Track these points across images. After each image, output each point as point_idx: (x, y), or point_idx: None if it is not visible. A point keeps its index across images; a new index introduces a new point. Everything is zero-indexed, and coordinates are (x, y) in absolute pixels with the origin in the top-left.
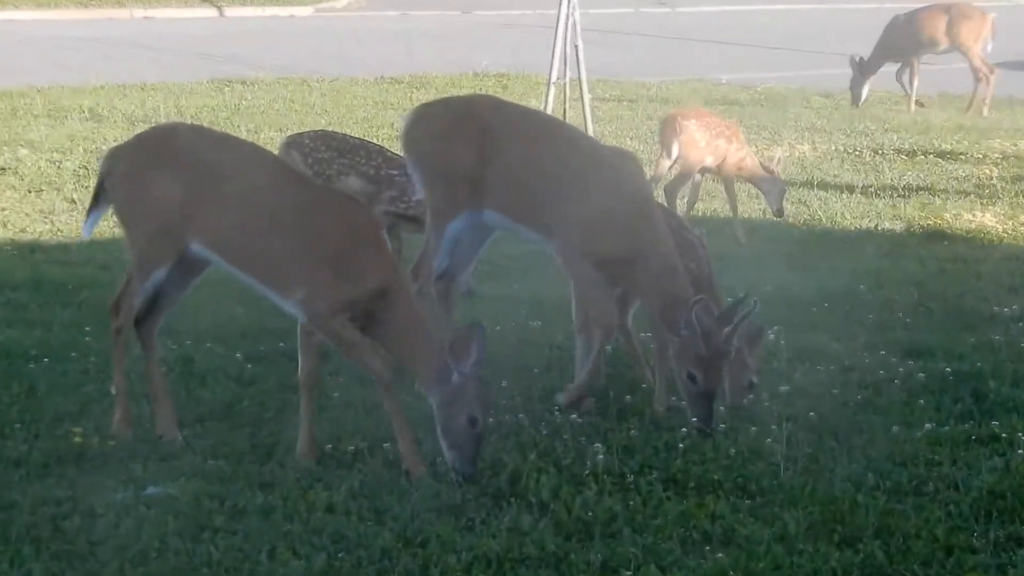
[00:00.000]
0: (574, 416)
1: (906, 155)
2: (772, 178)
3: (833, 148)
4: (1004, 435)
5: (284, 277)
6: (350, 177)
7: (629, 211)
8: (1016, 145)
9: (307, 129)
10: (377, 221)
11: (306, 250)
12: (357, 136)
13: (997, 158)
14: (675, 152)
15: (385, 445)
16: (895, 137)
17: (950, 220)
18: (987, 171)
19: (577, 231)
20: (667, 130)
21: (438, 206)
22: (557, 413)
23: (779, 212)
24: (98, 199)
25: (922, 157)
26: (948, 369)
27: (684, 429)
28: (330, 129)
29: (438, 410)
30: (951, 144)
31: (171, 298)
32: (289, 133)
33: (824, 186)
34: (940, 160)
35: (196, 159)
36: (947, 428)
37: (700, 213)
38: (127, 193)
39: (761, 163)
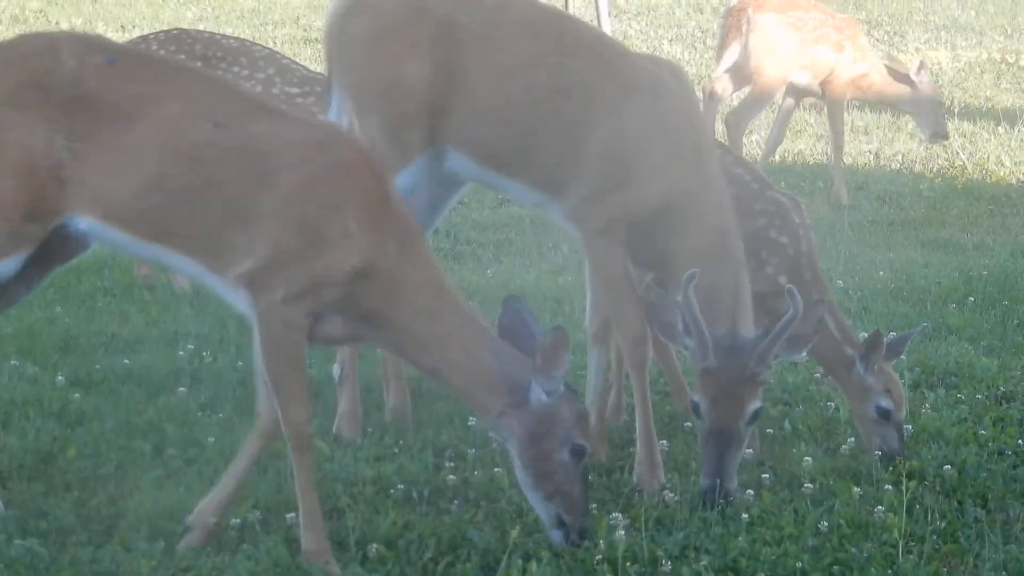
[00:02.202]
0: None
1: None
2: (917, 91)
3: (985, 56)
4: None
5: (227, 251)
6: None
7: (672, 151)
8: None
9: (158, 29)
10: (380, 163)
11: (263, 211)
12: (235, 36)
13: None
14: (732, 60)
15: (288, 515)
16: None
17: None
18: None
19: (597, 181)
20: (730, 28)
21: (375, 147)
22: None
23: (935, 137)
24: None
25: None
26: None
27: (750, 491)
28: (191, 28)
29: (520, 448)
30: None
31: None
32: (134, 33)
33: (969, 114)
34: None
35: (86, 92)
36: None
37: (781, 158)
38: None
39: (892, 70)
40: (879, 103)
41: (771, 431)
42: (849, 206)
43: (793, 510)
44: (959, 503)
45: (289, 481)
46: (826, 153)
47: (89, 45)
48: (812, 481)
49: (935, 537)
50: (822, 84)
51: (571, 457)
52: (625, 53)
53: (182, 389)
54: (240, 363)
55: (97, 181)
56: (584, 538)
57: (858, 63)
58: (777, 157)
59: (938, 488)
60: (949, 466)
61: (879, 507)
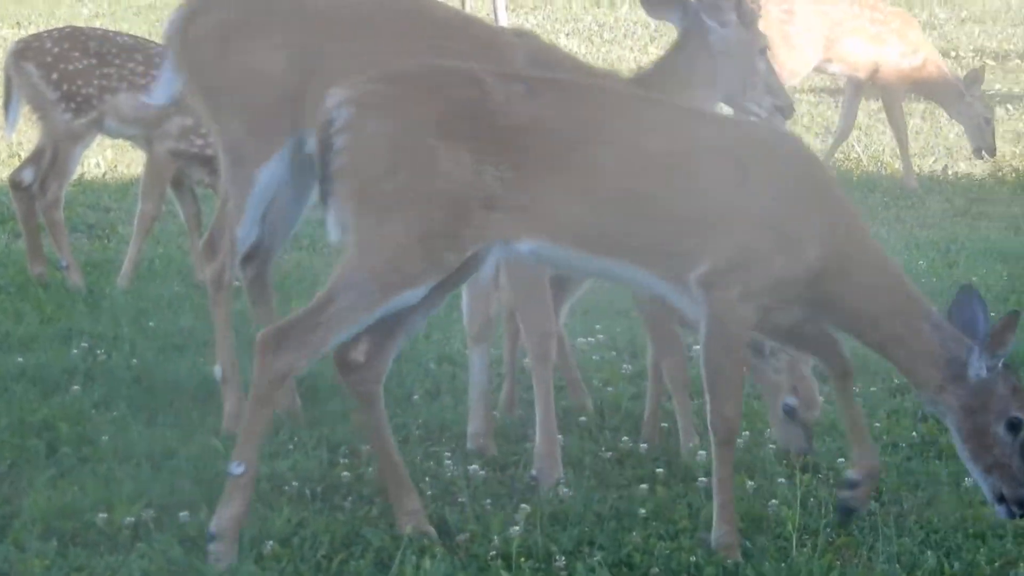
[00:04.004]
0: (474, 467)
1: None
2: (964, 99)
3: None
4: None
5: (682, 257)
6: (120, 95)
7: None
8: None
9: (53, 26)
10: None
11: (726, 213)
12: (130, 33)
13: None
14: None
15: (182, 514)
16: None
17: None
18: None
19: None
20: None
21: (238, 144)
22: (447, 462)
23: (981, 152)
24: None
25: None
26: None
27: (645, 485)
28: (87, 25)
29: (958, 422)
30: None
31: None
32: (29, 30)
33: (864, 107)
34: None
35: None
36: None
37: None
38: None
39: (943, 72)
40: (928, 98)
41: (666, 425)
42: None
43: (687, 504)
44: None
45: (182, 480)
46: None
47: (505, 75)
48: (706, 475)
49: (829, 530)
50: (875, 75)
51: (1008, 431)
52: (500, 31)
53: (76, 387)
54: (135, 361)
55: (544, 206)
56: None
57: (908, 56)
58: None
59: (832, 481)
60: (843, 459)
61: (773, 500)
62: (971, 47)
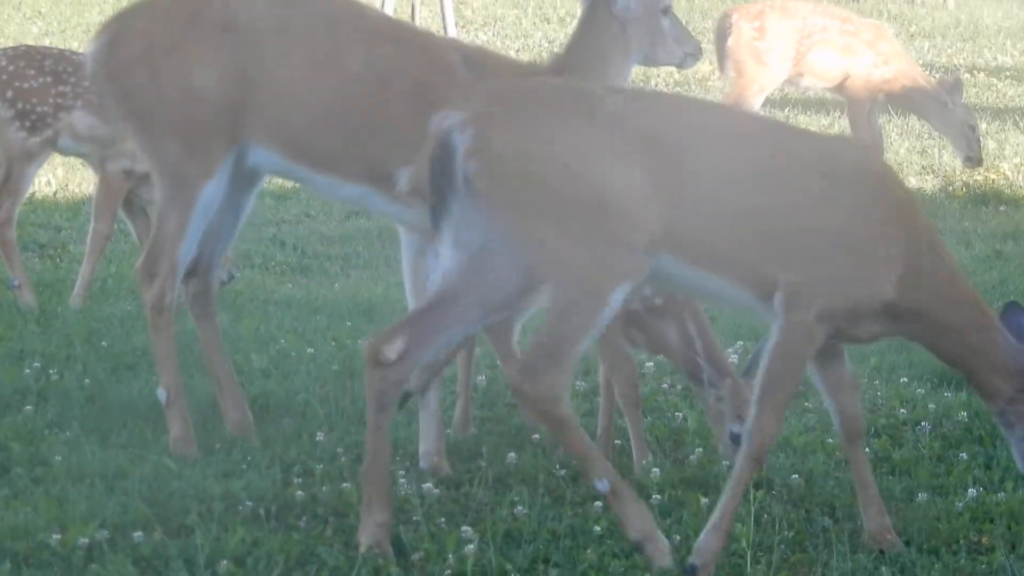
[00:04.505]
0: (427, 485)
1: None
2: (947, 107)
3: None
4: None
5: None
6: (75, 112)
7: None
8: None
9: (3, 44)
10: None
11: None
12: (83, 52)
13: None
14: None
15: (136, 534)
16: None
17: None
18: None
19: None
20: (717, 34)
21: (177, 164)
22: (401, 480)
23: (968, 162)
24: None
25: None
26: None
27: (599, 502)
28: (38, 44)
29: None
30: None
31: None
32: None
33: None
34: None
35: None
36: (1002, 495)
37: None
38: None
39: (919, 83)
40: (905, 109)
41: (619, 442)
42: None
43: None
44: (807, 512)
45: (136, 500)
46: None
47: (610, 89)
48: (660, 492)
49: (783, 547)
50: (843, 84)
51: None
52: (432, 36)
53: (28, 407)
54: (87, 381)
55: (671, 217)
56: None
57: (880, 66)
58: None
59: (786, 497)
60: (797, 475)
61: None
62: (920, 62)
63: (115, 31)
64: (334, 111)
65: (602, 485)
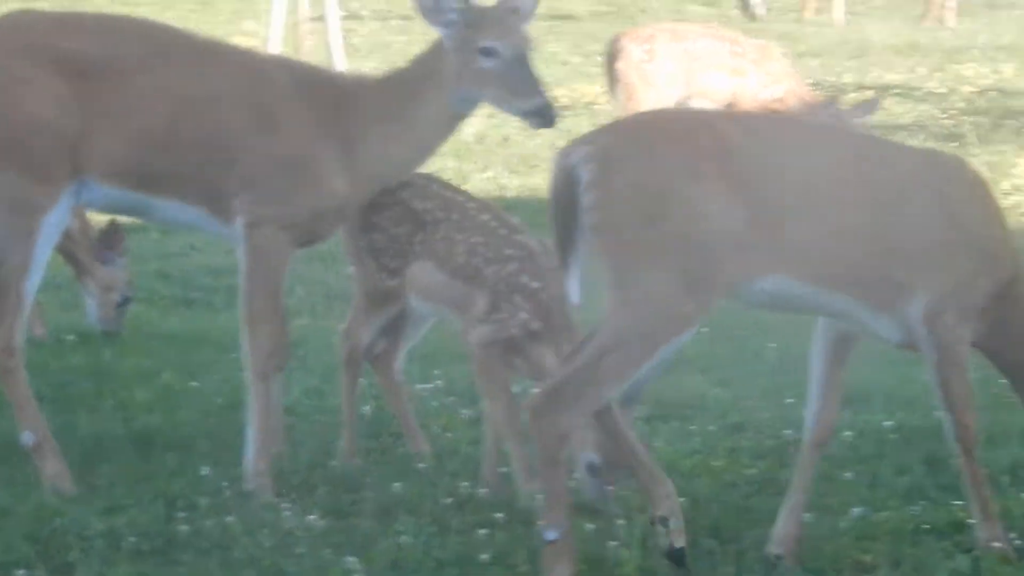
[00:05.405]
0: (312, 516)
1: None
2: (833, 119)
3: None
4: (972, 521)
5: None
6: None
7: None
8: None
9: None
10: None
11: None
12: None
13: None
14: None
15: (19, 572)
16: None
17: None
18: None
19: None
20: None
21: (18, 196)
22: (286, 512)
23: None
24: None
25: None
26: (889, 423)
27: (485, 530)
28: None
29: None
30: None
31: None
32: None
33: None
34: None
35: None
36: (886, 514)
37: (517, 193)
38: None
39: (808, 103)
40: None
41: (504, 469)
42: None
43: (527, 549)
44: (693, 536)
45: (17, 538)
46: None
47: (729, 115)
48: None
49: (665, 570)
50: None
51: None
52: (260, 57)
53: None
54: None
55: (792, 241)
56: None
57: (769, 85)
58: (512, 192)
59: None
60: (683, 498)
61: (613, 542)
62: (809, 80)
63: None
64: (168, 136)
65: (549, 534)
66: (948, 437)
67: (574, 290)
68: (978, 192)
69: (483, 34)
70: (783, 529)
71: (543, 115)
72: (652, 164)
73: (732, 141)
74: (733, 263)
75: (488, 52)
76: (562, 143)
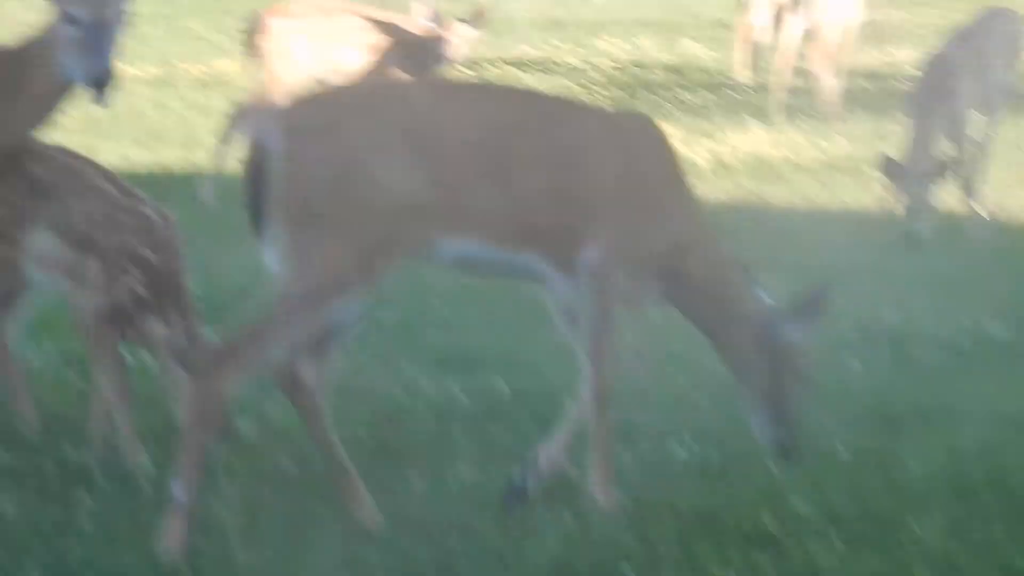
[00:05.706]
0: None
1: None
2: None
3: None
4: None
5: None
6: None
7: None
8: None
9: None
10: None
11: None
12: None
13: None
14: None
15: None
16: None
17: None
18: None
19: None
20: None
21: None
22: None
23: None
24: None
25: None
26: (507, 388)
27: (89, 499)
28: None
29: None
30: None
31: None
32: None
33: None
34: None
35: None
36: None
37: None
38: None
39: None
40: None
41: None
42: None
43: (130, 514)
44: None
45: None
46: None
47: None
48: (156, 487)
49: None
50: None
51: None
52: None
53: None
54: None
55: (472, 205)
56: None
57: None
58: (142, 169)
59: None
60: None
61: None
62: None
63: None
64: None
65: (178, 494)
66: (585, 393)
67: (271, 260)
68: (657, 149)
69: (69, 2)
70: None
71: (98, 85)
72: (337, 138)
73: (417, 109)
74: (414, 229)
75: (70, 19)
76: (201, 120)
